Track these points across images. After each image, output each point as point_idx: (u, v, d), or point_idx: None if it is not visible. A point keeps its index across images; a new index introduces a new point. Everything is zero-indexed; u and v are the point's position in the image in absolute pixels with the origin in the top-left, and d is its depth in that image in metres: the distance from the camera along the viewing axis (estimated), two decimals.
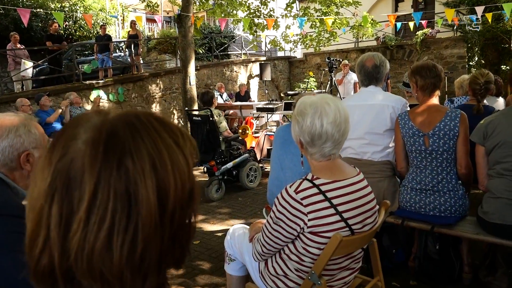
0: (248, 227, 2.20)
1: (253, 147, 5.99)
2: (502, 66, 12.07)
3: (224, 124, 5.16)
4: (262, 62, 13.59)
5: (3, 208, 1.34)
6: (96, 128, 0.54)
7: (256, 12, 10.84)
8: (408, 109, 2.72)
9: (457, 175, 2.46)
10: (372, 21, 10.73)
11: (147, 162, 0.53)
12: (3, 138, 1.45)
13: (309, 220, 1.51)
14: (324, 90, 11.00)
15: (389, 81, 10.01)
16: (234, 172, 5.28)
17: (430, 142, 2.42)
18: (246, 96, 11.59)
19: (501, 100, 4.70)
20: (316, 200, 1.52)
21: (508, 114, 2.21)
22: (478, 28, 11.37)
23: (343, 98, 9.42)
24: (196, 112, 5.43)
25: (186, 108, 7.22)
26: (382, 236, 2.90)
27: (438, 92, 2.54)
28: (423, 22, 10.55)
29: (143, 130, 0.56)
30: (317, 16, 10.94)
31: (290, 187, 1.57)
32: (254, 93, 14.11)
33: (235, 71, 13.69)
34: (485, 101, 3.59)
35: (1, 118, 1.50)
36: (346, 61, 10.12)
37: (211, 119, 4.96)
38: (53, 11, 10.52)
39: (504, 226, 2.13)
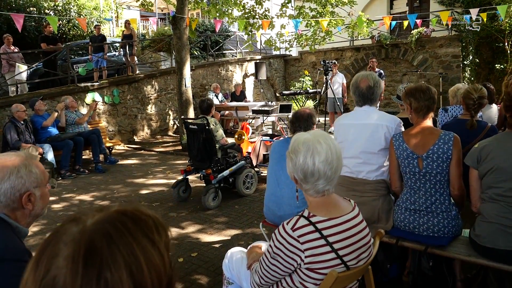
0: (245, 250, 2.25)
1: (249, 153, 6.02)
2: (496, 65, 12.13)
3: (220, 132, 5.18)
4: (257, 61, 13.57)
5: (7, 253, 1.37)
6: (75, 242, 0.58)
7: (251, 12, 10.80)
8: (403, 128, 2.77)
9: (450, 196, 2.52)
10: (367, 20, 10.73)
11: (124, 271, 0.57)
12: (4, 180, 1.48)
13: (305, 257, 1.56)
14: (319, 90, 11.05)
15: (383, 80, 10.06)
16: (231, 180, 5.31)
17: (424, 165, 2.47)
18: (241, 96, 11.59)
19: (494, 107, 4.77)
20: (313, 238, 1.56)
21: (502, 140, 2.25)
22: (478, 28, 11.38)
23: (337, 99, 9.50)
24: (192, 121, 5.44)
25: (183, 117, 7.22)
26: (377, 251, 2.95)
27: (432, 114, 2.58)
28: (418, 20, 10.58)
29: (119, 238, 0.60)
30: (312, 15, 10.92)
31: (287, 224, 1.61)
32: (249, 93, 14.11)
33: (230, 71, 13.67)
34: None
35: (1, 159, 1.52)
36: (334, 61, 10.18)
37: (207, 127, 4.98)
38: (47, 16, 10.42)
39: (496, 250, 2.18)
